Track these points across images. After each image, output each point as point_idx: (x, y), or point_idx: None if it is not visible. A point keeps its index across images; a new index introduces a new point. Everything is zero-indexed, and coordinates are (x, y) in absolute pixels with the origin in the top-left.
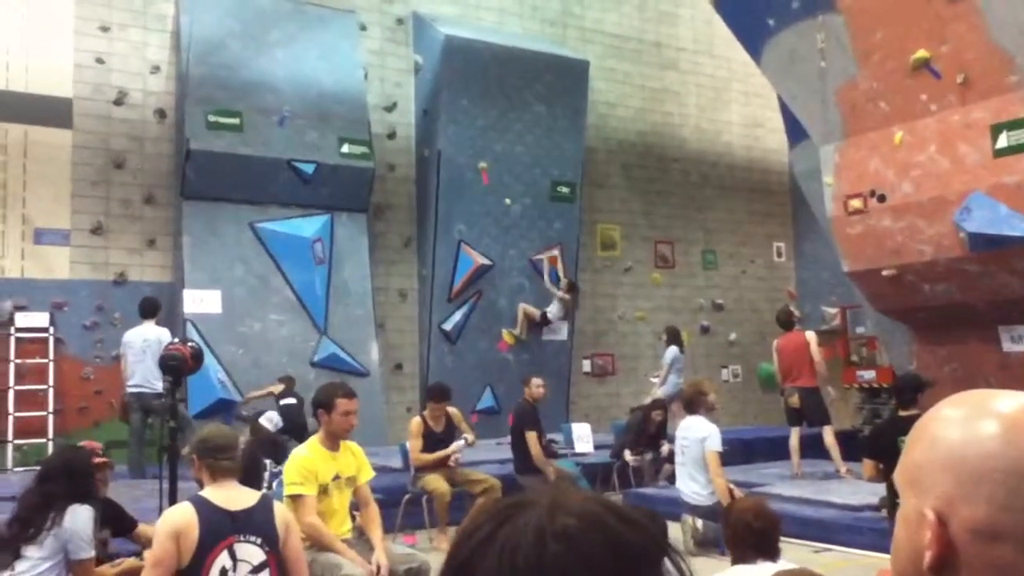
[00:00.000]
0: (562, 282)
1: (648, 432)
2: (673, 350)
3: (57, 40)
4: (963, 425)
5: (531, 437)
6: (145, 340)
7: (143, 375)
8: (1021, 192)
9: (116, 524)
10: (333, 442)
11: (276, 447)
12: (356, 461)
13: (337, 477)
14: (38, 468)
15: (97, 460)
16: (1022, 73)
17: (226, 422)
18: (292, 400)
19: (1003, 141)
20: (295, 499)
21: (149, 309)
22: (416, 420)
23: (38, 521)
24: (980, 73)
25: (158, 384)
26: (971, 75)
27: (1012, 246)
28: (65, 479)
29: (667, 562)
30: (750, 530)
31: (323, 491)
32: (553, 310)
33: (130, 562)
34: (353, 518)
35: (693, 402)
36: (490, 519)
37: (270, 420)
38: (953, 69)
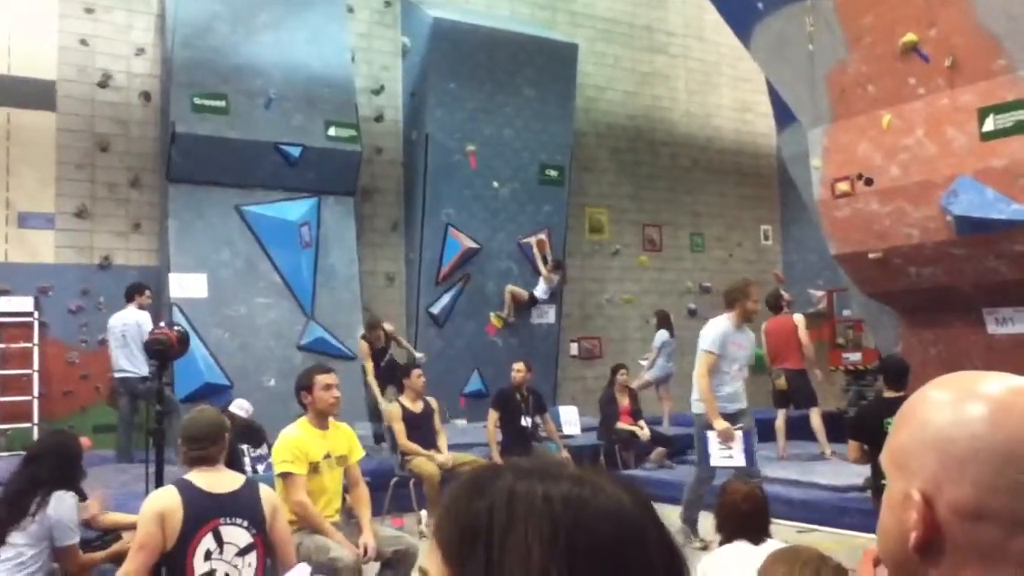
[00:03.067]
0: (548, 261)
1: (621, 405)
2: (663, 334)
3: (41, 22)
4: (950, 407)
5: (490, 416)
6: (125, 324)
7: (126, 359)
8: (1008, 175)
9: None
10: (322, 421)
11: (252, 432)
12: (347, 440)
13: (328, 455)
14: (24, 452)
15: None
16: (1009, 57)
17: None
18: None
19: (990, 124)
20: (285, 477)
21: (128, 292)
22: (394, 406)
23: (23, 505)
24: (968, 57)
25: (143, 367)
26: (959, 59)
27: (998, 230)
28: (53, 462)
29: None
30: (739, 512)
31: (314, 469)
32: (540, 290)
33: (117, 546)
34: (344, 499)
35: (732, 299)
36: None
37: (240, 407)
38: (941, 53)
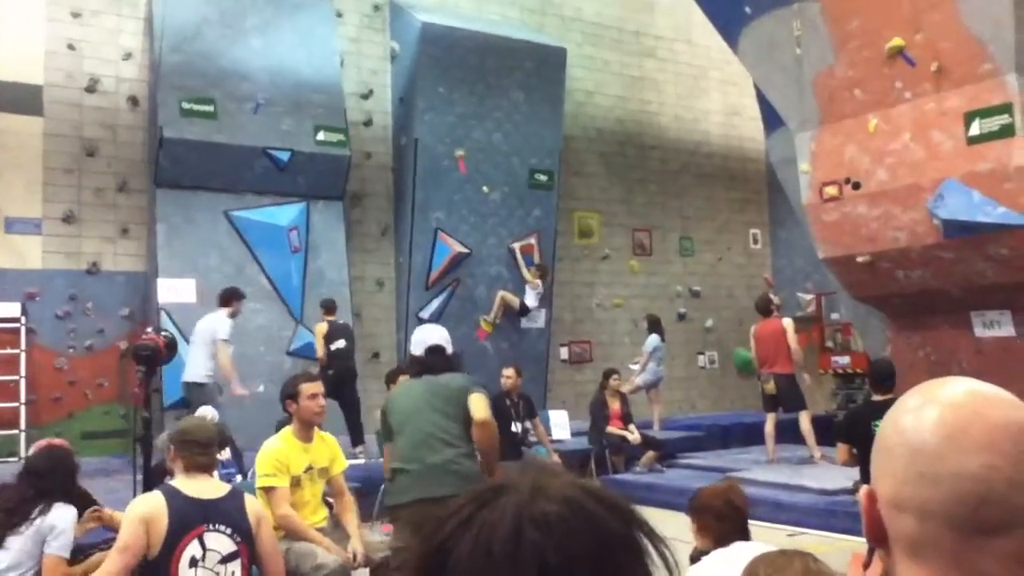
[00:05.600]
0: (532, 268)
1: (611, 410)
2: (654, 338)
3: (28, 26)
4: (909, 412)
5: None
6: (198, 331)
7: (189, 362)
8: (994, 179)
9: (83, 510)
10: (306, 432)
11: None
12: (329, 452)
13: (309, 468)
14: (21, 462)
15: None
16: (995, 61)
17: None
18: (342, 343)
19: (976, 129)
20: (268, 491)
21: (223, 297)
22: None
23: (24, 512)
24: (954, 61)
25: (198, 373)
26: (945, 63)
27: (985, 232)
28: (58, 476)
29: (651, 550)
30: (716, 515)
31: (295, 483)
32: (530, 297)
33: (96, 557)
34: (330, 506)
35: None
36: (470, 502)
37: (204, 416)
38: (928, 57)
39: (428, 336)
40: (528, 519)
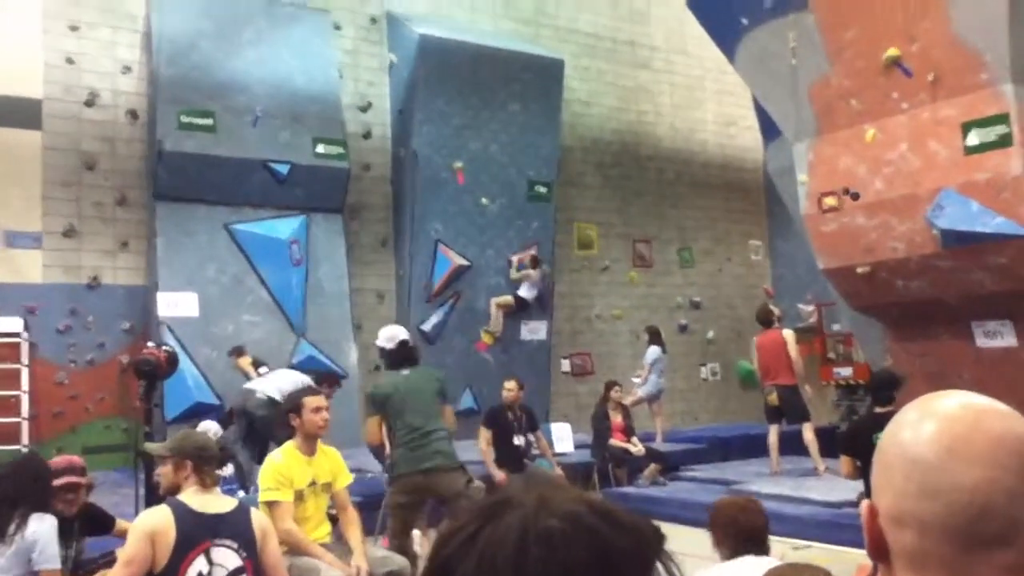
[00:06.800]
0: (526, 265)
1: (613, 422)
2: (655, 350)
3: (25, 40)
4: (907, 425)
5: (481, 434)
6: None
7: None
8: (992, 189)
9: (96, 526)
10: (309, 446)
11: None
12: (332, 467)
13: (313, 483)
14: None
15: (75, 481)
16: (991, 71)
17: (221, 421)
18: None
19: (974, 139)
20: (271, 505)
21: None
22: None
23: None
24: (950, 71)
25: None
26: (941, 73)
27: (983, 242)
28: (22, 481)
29: (660, 568)
30: (737, 526)
31: (298, 497)
32: (524, 289)
33: (101, 573)
34: (334, 521)
35: None
36: (475, 517)
37: (207, 429)
38: (924, 67)
39: (397, 333)
40: (532, 535)
